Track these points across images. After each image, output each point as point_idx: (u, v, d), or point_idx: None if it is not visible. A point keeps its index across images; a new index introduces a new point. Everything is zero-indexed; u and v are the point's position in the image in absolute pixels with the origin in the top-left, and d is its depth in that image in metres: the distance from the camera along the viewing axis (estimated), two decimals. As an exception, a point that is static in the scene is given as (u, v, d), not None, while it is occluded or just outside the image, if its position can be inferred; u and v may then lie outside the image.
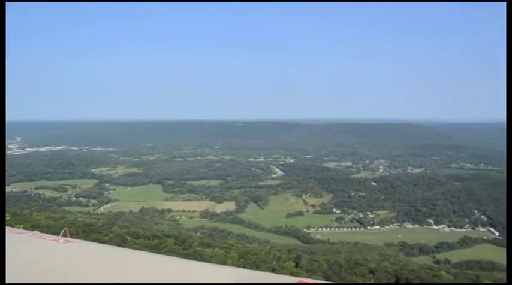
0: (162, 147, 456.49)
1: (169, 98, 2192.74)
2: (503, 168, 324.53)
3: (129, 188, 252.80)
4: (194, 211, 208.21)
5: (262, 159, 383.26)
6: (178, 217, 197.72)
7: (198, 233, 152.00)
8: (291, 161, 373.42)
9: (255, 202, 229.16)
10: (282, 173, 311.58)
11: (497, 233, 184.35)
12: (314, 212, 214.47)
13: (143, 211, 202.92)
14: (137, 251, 10.41)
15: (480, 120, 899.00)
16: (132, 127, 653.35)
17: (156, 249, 68.72)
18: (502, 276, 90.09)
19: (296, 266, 74.32)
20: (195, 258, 63.12)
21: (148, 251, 55.88)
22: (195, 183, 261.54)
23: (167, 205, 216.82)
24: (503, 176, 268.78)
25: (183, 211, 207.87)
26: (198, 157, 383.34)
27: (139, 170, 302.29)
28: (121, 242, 71.57)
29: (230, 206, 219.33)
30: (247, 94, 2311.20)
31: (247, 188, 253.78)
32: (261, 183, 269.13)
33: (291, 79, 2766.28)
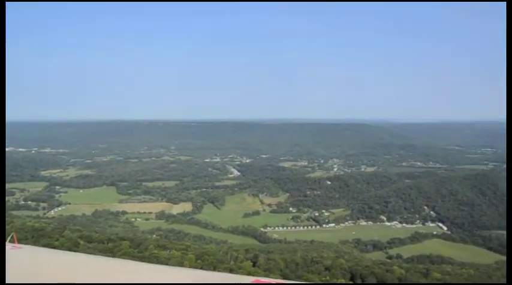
0: (116, 148, 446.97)
1: (123, 97, 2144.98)
2: (451, 166, 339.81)
3: (81, 190, 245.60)
4: (150, 212, 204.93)
5: (218, 159, 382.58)
6: (134, 219, 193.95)
7: (154, 235, 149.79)
8: (248, 161, 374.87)
9: (212, 202, 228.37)
10: (239, 173, 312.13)
11: (445, 228, 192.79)
12: (271, 212, 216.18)
13: (96, 214, 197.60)
14: (90, 255, 10.09)
15: (429, 120, 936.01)
16: (85, 128, 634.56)
17: (111, 253, 67.13)
18: (450, 268, 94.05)
19: (253, 266, 74.54)
20: (151, 261, 62.13)
21: (102, 255, 54.45)
22: (150, 184, 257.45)
23: (122, 207, 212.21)
24: (451, 173, 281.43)
25: (138, 212, 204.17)
26: (154, 158, 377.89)
27: (92, 172, 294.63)
28: (73, 247, 69.40)
29: (187, 207, 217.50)
30: (203, 94, 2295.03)
31: (204, 189, 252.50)
32: (217, 183, 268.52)
33: (248, 79, 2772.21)
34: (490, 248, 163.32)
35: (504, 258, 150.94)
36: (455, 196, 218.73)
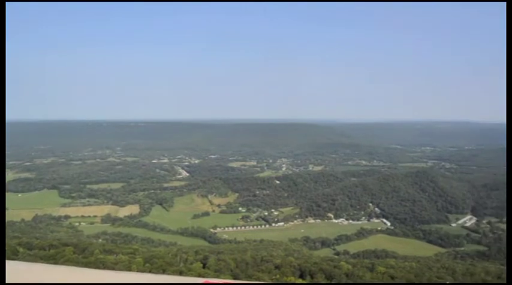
0: (58, 149, 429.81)
1: (66, 97, 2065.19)
2: (393, 164, 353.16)
3: (20, 194, 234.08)
4: (95, 216, 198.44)
5: (166, 160, 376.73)
6: (77, 224, 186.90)
7: (100, 240, 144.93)
8: (196, 161, 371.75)
9: (160, 204, 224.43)
10: (187, 174, 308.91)
11: (389, 224, 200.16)
12: (220, 212, 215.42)
13: (37, 219, 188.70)
14: (31, 263, 9.48)
15: (373, 120, 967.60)
16: (24, 128, 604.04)
17: (53, 259, 64.06)
18: (394, 262, 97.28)
19: (203, 267, 73.67)
20: (98, 267, 59.94)
21: (43, 262, 51.98)
22: (95, 187, 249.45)
23: (64, 211, 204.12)
24: (393, 171, 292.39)
25: (83, 217, 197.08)
26: (98, 159, 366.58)
27: (32, 174, 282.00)
28: (12, 255, 65.64)
29: (134, 209, 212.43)
30: (151, 94, 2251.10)
31: (152, 191, 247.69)
32: (165, 185, 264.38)
33: (194, 79, 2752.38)
34: (430, 241, 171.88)
35: (443, 250, 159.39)
36: (397, 193, 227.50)
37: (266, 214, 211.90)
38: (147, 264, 68.85)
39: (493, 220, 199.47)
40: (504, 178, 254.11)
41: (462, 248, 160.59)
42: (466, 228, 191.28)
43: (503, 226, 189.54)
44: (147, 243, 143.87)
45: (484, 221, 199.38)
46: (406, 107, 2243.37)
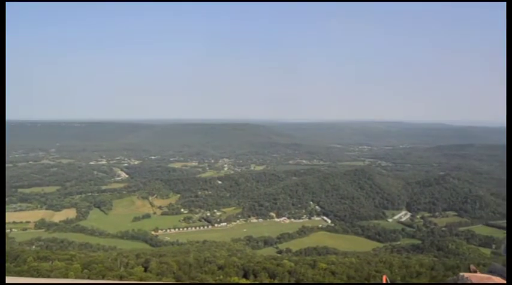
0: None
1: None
2: (333, 163, 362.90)
3: None
4: (27, 222, 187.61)
5: (104, 162, 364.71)
6: (9, 230, 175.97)
7: (34, 247, 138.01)
8: (136, 163, 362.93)
9: (98, 207, 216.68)
10: (127, 175, 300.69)
11: (329, 221, 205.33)
12: (162, 214, 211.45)
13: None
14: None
15: (313, 120, 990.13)
16: None
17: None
18: (335, 258, 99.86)
19: (145, 271, 72.02)
20: (31, 275, 56.84)
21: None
22: (27, 191, 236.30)
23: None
24: (333, 169, 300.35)
25: (14, 222, 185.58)
26: (31, 162, 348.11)
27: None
28: None
29: (70, 213, 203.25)
30: (86, 93, 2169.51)
31: (89, 193, 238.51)
32: (104, 187, 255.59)
33: (132, 78, 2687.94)
34: (368, 237, 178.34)
35: (380, 245, 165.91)
36: (337, 191, 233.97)
37: (208, 214, 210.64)
38: (86, 270, 66.32)
39: (426, 214, 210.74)
40: (436, 175, 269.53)
41: (398, 242, 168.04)
42: (402, 223, 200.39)
43: (436, 220, 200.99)
44: (85, 249, 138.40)
45: (418, 216, 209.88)
46: (343, 107, 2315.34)
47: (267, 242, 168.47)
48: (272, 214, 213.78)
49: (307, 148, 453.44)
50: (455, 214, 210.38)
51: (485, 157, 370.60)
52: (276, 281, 75.24)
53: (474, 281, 9.31)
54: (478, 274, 9.79)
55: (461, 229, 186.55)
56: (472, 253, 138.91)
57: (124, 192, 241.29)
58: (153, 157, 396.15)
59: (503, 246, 9.97)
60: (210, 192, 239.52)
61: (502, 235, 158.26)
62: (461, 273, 9.87)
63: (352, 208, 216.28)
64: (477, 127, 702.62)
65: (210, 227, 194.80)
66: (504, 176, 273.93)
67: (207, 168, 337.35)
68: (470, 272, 10.07)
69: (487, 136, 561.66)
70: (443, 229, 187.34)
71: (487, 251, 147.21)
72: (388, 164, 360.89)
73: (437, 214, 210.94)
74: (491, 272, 9.92)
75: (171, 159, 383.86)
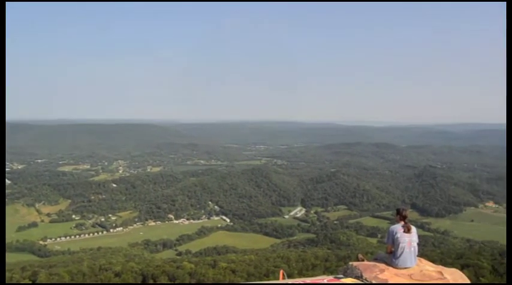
0: None
1: None
2: (230, 162, 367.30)
3: None
4: None
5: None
6: None
7: None
8: (20, 167, 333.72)
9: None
10: (9, 181, 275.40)
11: (228, 220, 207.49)
12: (50, 222, 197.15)
13: None
14: None
15: (210, 120, 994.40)
16: None
17: None
18: (235, 257, 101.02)
19: (33, 284, 66.77)
20: None
21: None
22: None
23: None
24: (231, 169, 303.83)
25: None
26: None
27: None
28: None
29: None
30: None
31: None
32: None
33: (16, 74, 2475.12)
34: (266, 234, 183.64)
35: (278, 241, 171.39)
36: (235, 190, 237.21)
37: (103, 219, 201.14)
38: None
39: (320, 209, 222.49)
40: (327, 172, 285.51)
41: (295, 237, 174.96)
42: (297, 219, 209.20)
43: (328, 214, 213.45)
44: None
45: (312, 211, 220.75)
46: (240, 108, 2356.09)
47: (166, 245, 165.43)
48: (170, 215, 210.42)
49: (205, 148, 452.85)
50: (346, 207, 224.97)
51: (370, 154, 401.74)
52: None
53: (361, 269, 10.08)
54: (365, 262, 10.70)
55: (351, 221, 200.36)
56: (361, 243, 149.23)
57: (7, 200, 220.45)
58: (39, 161, 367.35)
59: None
60: (104, 196, 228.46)
61: (386, 225, 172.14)
62: (350, 263, 10.72)
63: (250, 206, 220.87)
64: (363, 126, 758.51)
65: (105, 232, 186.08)
66: (387, 171, 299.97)
67: (101, 171, 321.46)
68: (358, 261, 11.02)
69: (372, 135, 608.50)
70: (335, 222, 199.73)
71: (373, 241, 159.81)
72: (284, 162, 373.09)
73: (329, 208, 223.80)
74: (376, 259, 10.83)
75: (61, 162, 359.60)
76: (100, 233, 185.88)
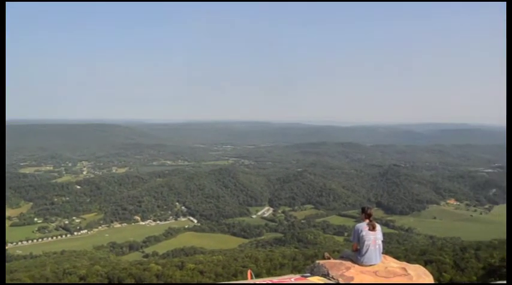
0: None
1: None
2: (197, 162, 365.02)
3: None
4: None
5: None
6: None
7: None
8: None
9: None
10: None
11: (195, 221, 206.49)
12: (11, 225, 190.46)
13: None
14: None
15: (176, 120, 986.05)
16: None
17: None
18: (202, 257, 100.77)
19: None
20: None
21: None
22: None
23: None
24: (198, 169, 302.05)
25: None
26: None
27: None
28: None
29: None
30: None
31: None
32: None
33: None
34: (234, 234, 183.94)
35: (246, 240, 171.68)
36: (202, 190, 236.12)
37: (67, 222, 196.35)
38: None
39: (287, 209, 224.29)
40: (294, 171, 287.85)
41: (262, 237, 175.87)
42: (265, 218, 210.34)
43: (296, 214, 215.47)
44: None
45: (280, 211, 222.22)
46: (206, 108, 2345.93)
47: (132, 247, 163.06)
48: (137, 217, 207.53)
49: (171, 148, 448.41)
50: (313, 206, 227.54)
51: (336, 154, 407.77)
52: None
53: (328, 267, 10.35)
54: (332, 260, 10.97)
55: (318, 220, 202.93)
56: (328, 242, 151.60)
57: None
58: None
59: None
60: (67, 198, 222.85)
61: (352, 223, 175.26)
62: (317, 261, 10.93)
63: (218, 206, 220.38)
64: (330, 126, 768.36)
65: (68, 236, 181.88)
66: (353, 171, 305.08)
67: (64, 172, 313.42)
68: (324, 259, 11.28)
69: (338, 135, 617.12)
70: (303, 221, 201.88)
71: (340, 239, 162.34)
72: (251, 162, 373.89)
73: (296, 207, 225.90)
74: (342, 257, 11.13)
75: (22, 164, 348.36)
76: (64, 236, 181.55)
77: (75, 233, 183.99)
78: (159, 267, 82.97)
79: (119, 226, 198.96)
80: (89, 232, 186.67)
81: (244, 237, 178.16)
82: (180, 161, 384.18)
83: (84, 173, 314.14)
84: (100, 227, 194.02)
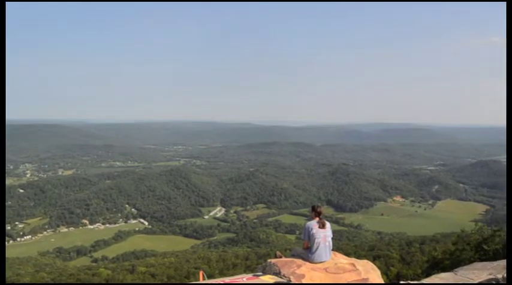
0: None
1: None
2: (148, 163, 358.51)
3: None
4: None
5: None
6: None
7: None
8: None
9: None
10: None
11: (146, 223, 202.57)
12: None
13: None
14: None
15: (124, 120, 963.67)
16: None
17: None
18: (154, 260, 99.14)
19: None
20: None
21: None
22: None
23: None
24: (148, 170, 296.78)
25: None
26: None
27: None
28: None
29: None
30: None
31: None
32: None
33: None
34: (186, 235, 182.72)
35: (198, 241, 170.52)
36: (153, 192, 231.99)
37: (9, 228, 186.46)
38: None
39: (239, 209, 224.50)
40: (246, 171, 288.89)
41: (215, 237, 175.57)
42: (217, 219, 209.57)
43: (248, 213, 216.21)
44: None
45: (232, 211, 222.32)
46: (156, 107, 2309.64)
47: (80, 252, 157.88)
48: (85, 221, 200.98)
49: (120, 149, 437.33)
50: (265, 206, 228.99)
51: (287, 153, 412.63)
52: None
53: (279, 266, 10.44)
54: (283, 259, 11.05)
55: (270, 219, 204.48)
56: (280, 240, 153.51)
57: None
58: None
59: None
60: (9, 202, 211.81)
61: (303, 221, 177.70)
62: (269, 260, 11.03)
63: (169, 208, 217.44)
64: (280, 126, 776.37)
65: (11, 242, 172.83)
66: (303, 170, 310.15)
67: (6, 175, 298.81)
68: (276, 258, 11.31)
69: (288, 135, 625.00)
70: (255, 220, 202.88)
71: (292, 237, 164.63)
72: (203, 163, 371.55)
73: (248, 207, 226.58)
74: (293, 255, 11.23)
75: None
76: (6, 242, 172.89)
77: (18, 239, 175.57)
78: (109, 272, 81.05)
79: (65, 230, 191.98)
80: (33, 238, 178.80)
81: (196, 238, 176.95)
82: (129, 162, 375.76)
83: (28, 176, 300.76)
84: (45, 232, 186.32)
